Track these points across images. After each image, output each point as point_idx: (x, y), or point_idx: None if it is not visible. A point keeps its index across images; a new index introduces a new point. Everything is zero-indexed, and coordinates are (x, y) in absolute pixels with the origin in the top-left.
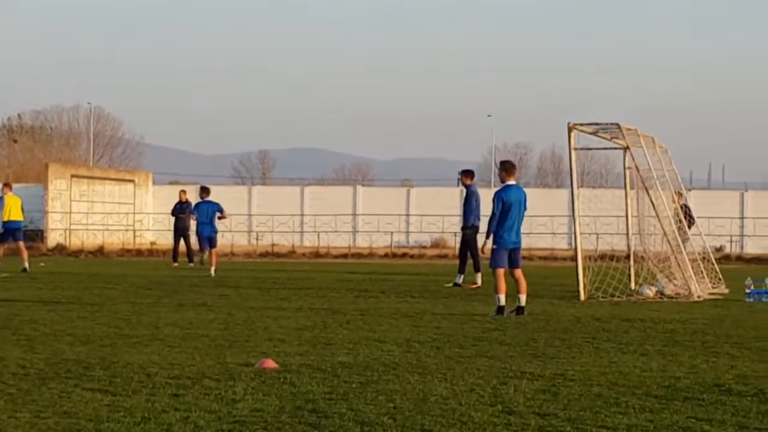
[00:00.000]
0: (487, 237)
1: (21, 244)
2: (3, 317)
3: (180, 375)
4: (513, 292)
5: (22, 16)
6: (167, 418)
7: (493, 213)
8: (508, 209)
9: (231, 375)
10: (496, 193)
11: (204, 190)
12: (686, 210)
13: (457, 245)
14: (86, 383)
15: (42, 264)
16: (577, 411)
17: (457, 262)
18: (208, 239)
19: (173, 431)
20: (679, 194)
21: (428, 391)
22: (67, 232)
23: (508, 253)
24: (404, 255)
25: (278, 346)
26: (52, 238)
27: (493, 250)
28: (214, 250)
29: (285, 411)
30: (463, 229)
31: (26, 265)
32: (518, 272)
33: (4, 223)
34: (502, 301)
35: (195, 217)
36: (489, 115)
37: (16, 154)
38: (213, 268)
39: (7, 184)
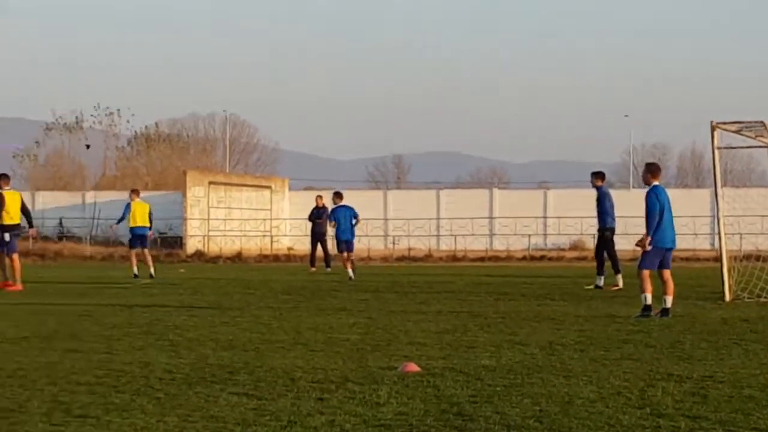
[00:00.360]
0: (649, 235)
1: (146, 250)
2: (147, 323)
3: (324, 379)
4: (657, 294)
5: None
6: (313, 422)
7: (653, 211)
8: (662, 208)
9: (374, 379)
10: (651, 193)
11: (338, 195)
12: None
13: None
14: (231, 387)
15: (182, 270)
16: (728, 413)
17: (595, 264)
18: (345, 243)
19: None
20: None
21: (574, 393)
22: (206, 238)
23: (663, 253)
24: (542, 258)
25: (420, 350)
26: (191, 245)
27: (647, 251)
28: (351, 254)
29: (430, 414)
30: (600, 230)
31: (152, 271)
32: (667, 273)
33: (131, 228)
34: (649, 300)
35: (332, 222)
36: (626, 116)
37: (154, 162)
38: (351, 271)
39: (135, 191)
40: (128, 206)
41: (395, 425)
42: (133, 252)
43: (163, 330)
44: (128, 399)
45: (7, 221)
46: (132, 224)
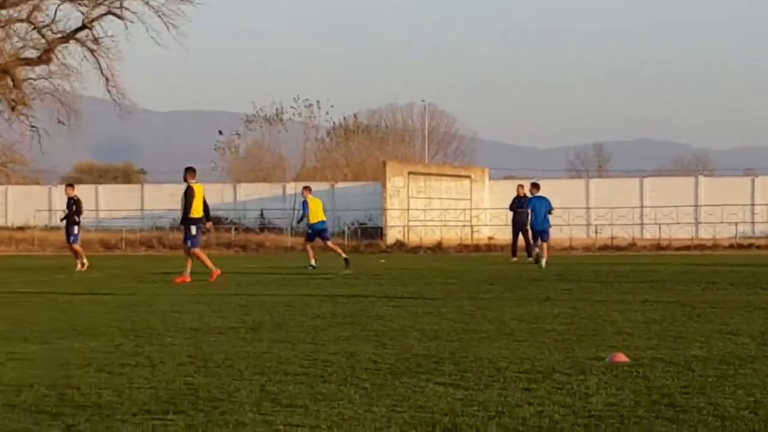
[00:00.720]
0: None
1: (330, 243)
2: (351, 313)
3: (530, 369)
4: None
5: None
6: (521, 413)
7: None
8: None
9: (581, 369)
10: None
11: (535, 186)
12: None
13: None
14: (437, 378)
15: (382, 261)
16: None
17: None
18: (541, 233)
19: (528, 425)
20: None
21: None
22: (406, 228)
23: None
24: (750, 246)
25: (627, 340)
26: (391, 235)
27: None
28: (545, 244)
29: (641, 405)
30: None
31: (313, 263)
32: None
33: (312, 225)
34: None
35: (528, 211)
36: None
37: (353, 152)
38: (544, 260)
39: (307, 188)
40: (305, 203)
41: (605, 416)
42: (309, 245)
43: (366, 320)
44: (335, 389)
45: (193, 215)
46: (313, 221)
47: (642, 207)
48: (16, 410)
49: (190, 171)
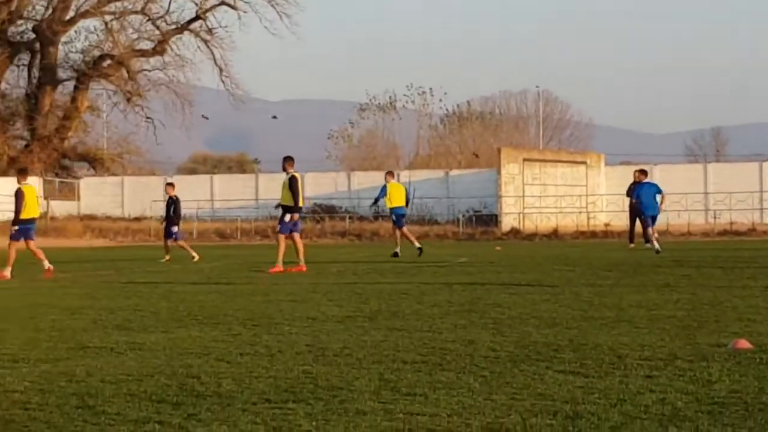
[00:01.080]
0: None
1: (404, 230)
2: (468, 301)
3: (651, 356)
4: None
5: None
6: (643, 400)
7: None
8: None
9: (703, 356)
10: None
11: (642, 172)
12: None
13: None
14: (557, 365)
15: (498, 248)
16: None
17: None
18: (652, 218)
19: (651, 413)
20: None
21: None
22: (521, 215)
23: None
24: None
25: (749, 326)
26: (506, 222)
27: None
28: (652, 229)
29: (765, 392)
30: None
31: (398, 250)
32: None
33: (391, 209)
34: None
35: (634, 200)
36: None
37: (466, 140)
38: (656, 245)
39: (390, 172)
40: (384, 188)
41: (729, 403)
42: (396, 230)
43: (484, 308)
44: (454, 377)
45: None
46: (389, 205)
47: (761, 192)
48: (137, 400)
49: (289, 160)
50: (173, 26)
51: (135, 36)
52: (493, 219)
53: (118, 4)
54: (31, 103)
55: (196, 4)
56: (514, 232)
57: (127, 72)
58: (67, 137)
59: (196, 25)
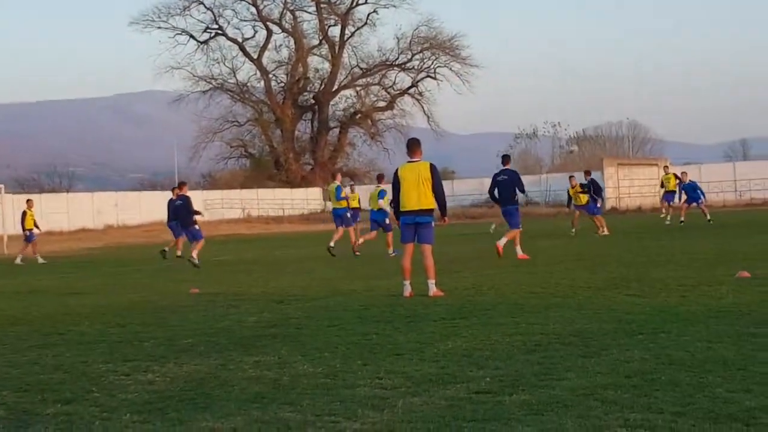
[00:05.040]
0: None
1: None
2: (575, 252)
3: (685, 283)
4: None
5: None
6: (676, 310)
7: None
8: None
9: (718, 282)
10: None
11: (684, 174)
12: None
13: None
14: (625, 291)
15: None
16: None
17: None
18: (694, 201)
19: (679, 318)
20: None
21: None
22: (617, 199)
23: None
24: None
25: (751, 263)
26: (608, 204)
27: None
28: (693, 205)
29: (755, 303)
30: None
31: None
32: None
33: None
34: None
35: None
36: None
37: (584, 154)
38: (681, 217)
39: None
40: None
41: (731, 311)
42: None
43: (585, 256)
44: (560, 301)
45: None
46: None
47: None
48: (367, 321)
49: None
50: (398, 92)
51: (375, 98)
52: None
53: (364, 80)
54: (314, 142)
55: (412, 78)
56: (613, 210)
57: (371, 121)
58: (336, 162)
59: (412, 90)
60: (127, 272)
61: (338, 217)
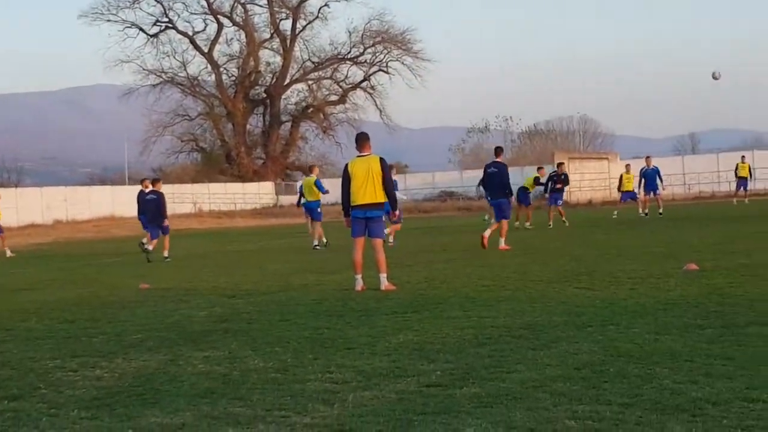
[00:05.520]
0: None
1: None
2: (524, 246)
3: (635, 276)
4: None
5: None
6: (625, 303)
7: None
8: None
9: (667, 274)
10: None
11: (648, 158)
12: None
13: None
14: (576, 284)
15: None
16: None
17: None
18: (653, 191)
19: (628, 310)
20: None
21: None
22: (569, 192)
23: None
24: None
25: (699, 256)
26: None
27: None
28: (651, 197)
29: (701, 295)
30: None
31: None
32: None
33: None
34: None
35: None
36: None
37: (535, 148)
38: (645, 210)
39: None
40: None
41: (678, 303)
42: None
43: (535, 249)
44: (511, 294)
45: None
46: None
47: (719, 172)
48: (318, 315)
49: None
50: (350, 86)
51: (326, 92)
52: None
53: (316, 74)
54: (265, 136)
55: (364, 72)
56: (564, 203)
57: (323, 115)
58: (288, 156)
59: (364, 84)
60: (77, 267)
61: (311, 210)
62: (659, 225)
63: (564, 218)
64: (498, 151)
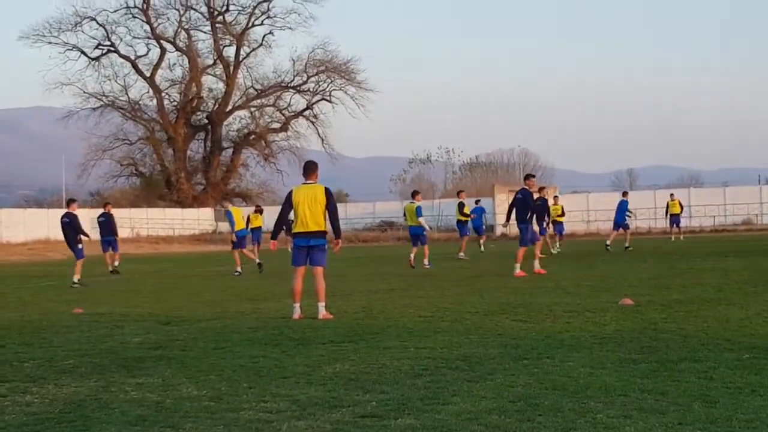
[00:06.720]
0: None
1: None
2: (466, 277)
3: (571, 309)
4: None
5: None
6: (561, 336)
7: None
8: None
9: (602, 308)
10: None
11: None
12: None
13: None
14: (513, 316)
15: (492, 246)
16: None
17: None
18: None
19: (564, 344)
20: None
21: (731, 315)
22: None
23: None
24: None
25: (634, 290)
26: (498, 230)
27: None
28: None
29: (636, 330)
30: None
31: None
32: None
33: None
34: None
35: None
36: None
37: (476, 179)
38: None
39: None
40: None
41: (613, 337)
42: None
43: (474, 282)
44: (448, 325)
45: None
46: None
47: (656, 208)
48: (255, 343)
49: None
50: (293, 114)
51: (269, 120)
52: (491, 228)
53: (258, 101)
54: (206, 162)
55: (307, 100)
56: (503, 236)
57: (264, 142)
58: (229, 183)
59: (307, 112)
60: (9, 291)
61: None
62: (595, 259)
63: (551, 248)
64: (527, 178)
